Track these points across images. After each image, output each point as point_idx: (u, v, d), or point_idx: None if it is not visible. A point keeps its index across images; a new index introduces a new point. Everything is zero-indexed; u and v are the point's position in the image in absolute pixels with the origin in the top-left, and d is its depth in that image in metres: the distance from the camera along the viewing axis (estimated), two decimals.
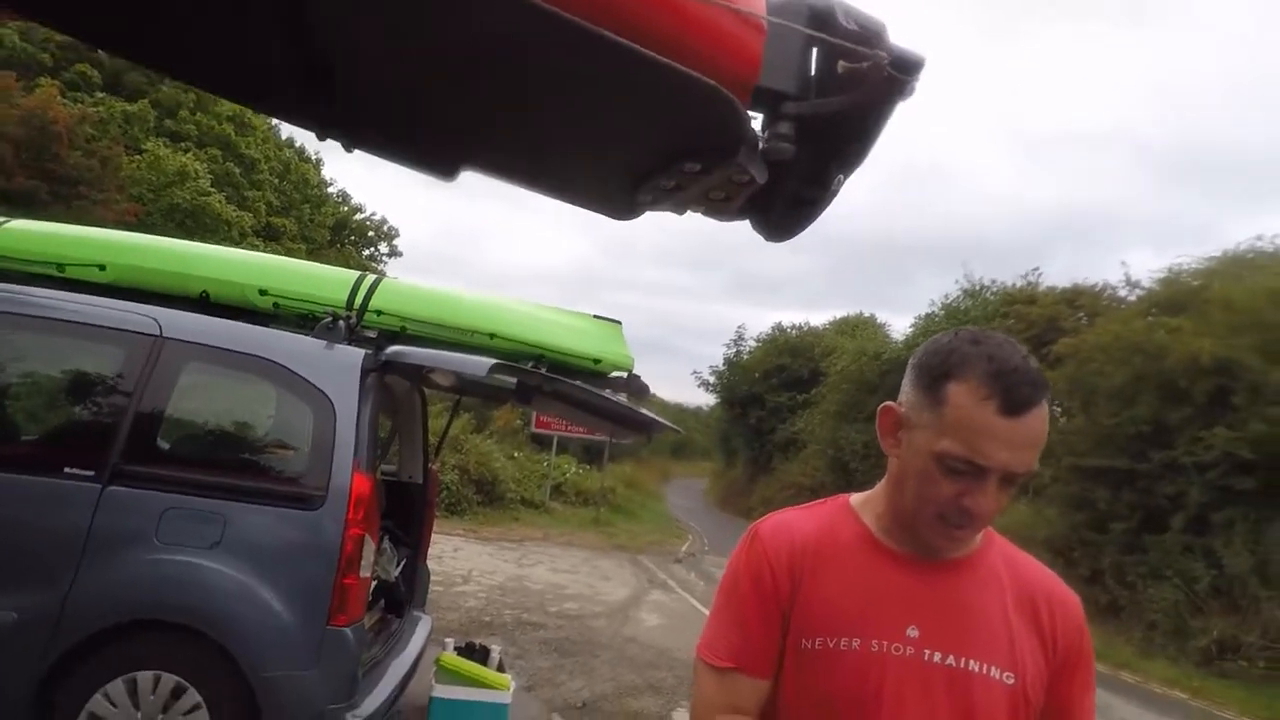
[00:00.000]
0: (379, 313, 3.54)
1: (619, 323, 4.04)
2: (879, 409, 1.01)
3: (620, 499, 18.75)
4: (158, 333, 3.04)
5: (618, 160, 1.05)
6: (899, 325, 35.25)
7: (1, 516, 2.71)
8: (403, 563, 4.11)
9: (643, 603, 8.52)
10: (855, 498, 1.07)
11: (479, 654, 4.30)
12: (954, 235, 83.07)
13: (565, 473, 18.10)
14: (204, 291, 3.48)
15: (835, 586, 0.97)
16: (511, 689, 3.76)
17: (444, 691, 3.62)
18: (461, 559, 9.36)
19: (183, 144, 20.14)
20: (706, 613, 1.11)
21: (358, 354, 3.10)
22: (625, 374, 3.85)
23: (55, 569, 2.69)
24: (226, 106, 19.99)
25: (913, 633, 0.92)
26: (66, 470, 2.81)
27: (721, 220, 1.11)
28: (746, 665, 0.97)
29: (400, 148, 1.09)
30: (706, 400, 33.00)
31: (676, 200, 1.05)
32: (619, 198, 1.12)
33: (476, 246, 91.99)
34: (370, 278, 3.69)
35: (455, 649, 4.20)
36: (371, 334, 3.48)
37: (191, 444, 2.97)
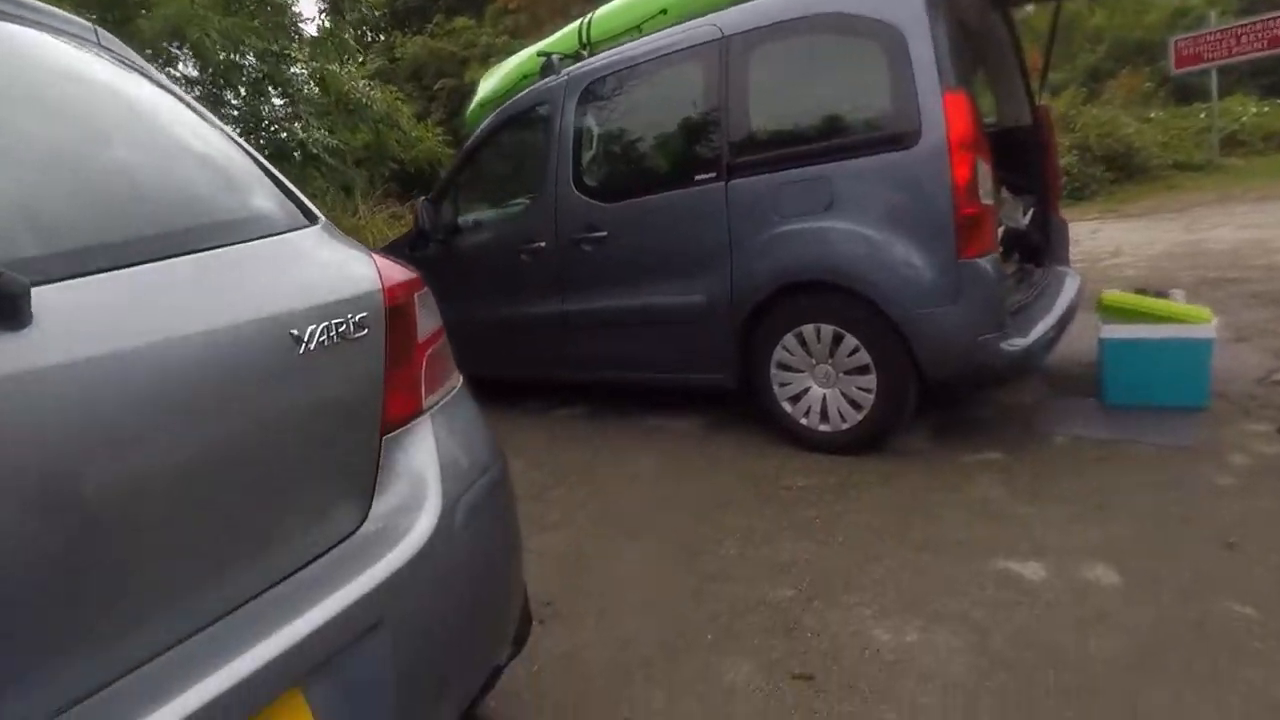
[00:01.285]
0: None
1: None
2: None
3: None
4: (720, 35, 3.18)
5: None
6: None
7: (676, 227, 3.34)
8: (1030, 210, 3.67)
9: None
10: None
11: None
12: None
13: (1239, 117, 13.65)
14: None
15: None
16: (1215, 324, 3.05)
17: (1116, 331, 3.16)
18: (1102, 239, 8.12)
19: None
20: None
21: None
22: None
23: (716, 258, 3.22)
24: None
25: None
26: (697, 179, 3.27)
27: None
28: None
29: None
30: None
31: None
32: None
33: None
34: None
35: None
36: None
37: (781, 121, 3.09)
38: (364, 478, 1.12)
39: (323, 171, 7.36)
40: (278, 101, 6.81)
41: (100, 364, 0.80)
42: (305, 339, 1.02)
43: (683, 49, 3.33)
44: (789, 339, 3.08)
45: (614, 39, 4.07)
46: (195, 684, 0.80)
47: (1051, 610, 1.92)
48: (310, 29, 7.62)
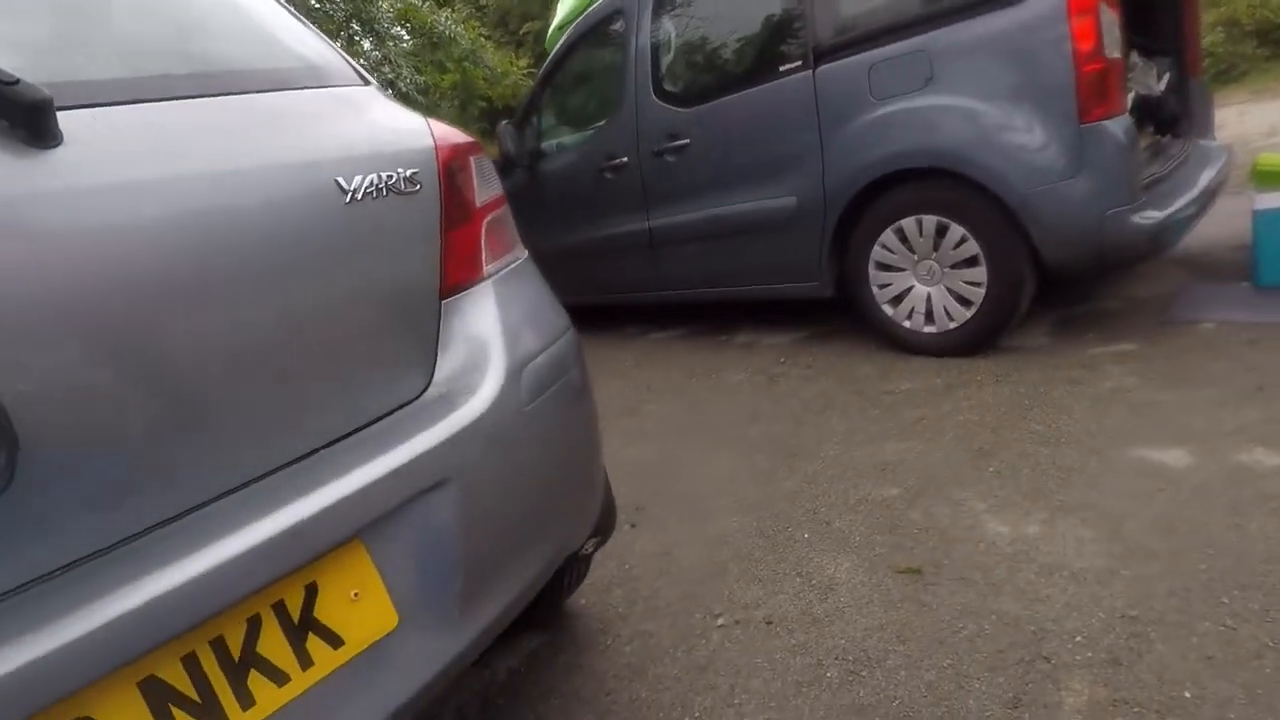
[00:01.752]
0: None
1: None
2: None
3: None
4: None
5: None
6: None
7: (762, 125, 3.14)
8: (1165, 75, 3.22)
9: None
10: None
11: None
12: None
13: None
14: None
15: None
16: None
17: (1271, 200, 2.75)
18: (1253, 120, 7.17)
19: None
20: None
21: None
22: None
23: (805, 155, 3.00)
24: None
25: None
26: (781, 70, 3.05)
27: None
28: None
29: None
30: None
31: None
32: None
33: None
34: None
35: None
36: None
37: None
38: (425, 341, 1.07)
39: (415, 110, 7.47)
40: (367, 45, 6.91)
41: (138, 189, 0.77)
42: (352, 188, 0.97)
43: None
44: (888, 236, 2.85)
45: None
46: (255, 521, 0.78)
47: (1200, 496, 1.71)
48: None
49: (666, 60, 3.63)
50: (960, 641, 1.42)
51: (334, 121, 1.05)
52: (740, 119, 3.23)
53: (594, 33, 4.07)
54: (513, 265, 1.27)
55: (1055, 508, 1.77)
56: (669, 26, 3.60)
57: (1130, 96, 2.76)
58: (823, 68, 2.90)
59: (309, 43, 1.17)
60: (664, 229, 3.67)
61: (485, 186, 1.23)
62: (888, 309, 2.95)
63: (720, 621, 1.61)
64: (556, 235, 4.27)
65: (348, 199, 0.96)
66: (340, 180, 0.96)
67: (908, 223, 2.79)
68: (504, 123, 4.46)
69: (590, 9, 4.16)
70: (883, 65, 2.72)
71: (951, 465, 2.06)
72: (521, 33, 19.95)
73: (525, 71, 8.21)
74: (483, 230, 1.18)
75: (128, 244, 0.75)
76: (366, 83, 1.21)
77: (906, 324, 2.91)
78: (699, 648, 1.55)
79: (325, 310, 0.94)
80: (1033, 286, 2.67)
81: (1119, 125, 2.36)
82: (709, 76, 3.48)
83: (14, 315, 0.67)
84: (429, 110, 7.27)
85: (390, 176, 1.02)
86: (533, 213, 4.45)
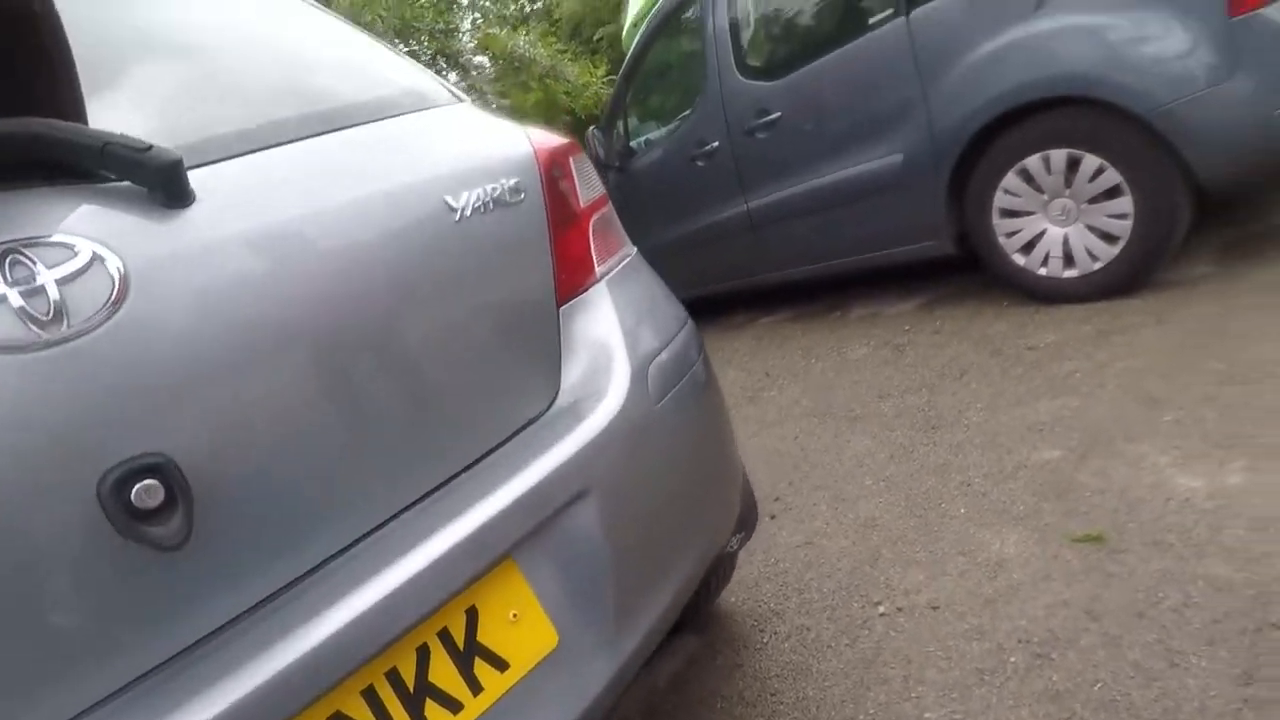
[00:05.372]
0: None
1: None
2: None
3: None
4: None
5: None
6: None
7: (856, 84, 2.98)
8: None
9: None
10: None
11: None
12: None
13: None
14: None
15: None
16: None
17: None
18: None
19: None
20: None
21: None
22: None
23: (908, 107, 2.83)
24: None
25: None
26: (871, 23, 2.88)
27: None
28: None
29: None
30: None
31: None
32: None
33: None
34: None
35: None
36: None
37: None
38: (549, 351, 1.05)
39: None
40: (453, 76, 7.17)
41: (267, 237, 0.79)
42: (460, 206, 0.97)
43: None
44: (1010, 179, 2.63)
45: None
46: (416, 549, 0.79)
47: None
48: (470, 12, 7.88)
49: (747, 36, 3.52)
50: (1165, 613, 1.26)
51: (436, 141, 1.05)
52: (832, 83, 3.08)
53: (669, 23, 4.02)
54: (624, 262, 1.24)
55: (1259, 452, 1.56)
56: (745, 1, 3.49)
57: None
58: (916, 10, 2.72)
59: (403, 69, 1.19)
60: (764, 209, 3.57)
61: (587, 187, 1.20)
62: (1019, 258, 2.72)
63: (881, 610, 1.52)
64: (655, 232, 4.24)
65: (457, 217, 0.96)
66: (449, 199, 0.96)
67: (1032, 162, 2.56)
68: (592, 128, 4.48)
69: (661, 1, 4.11)
70: None
71: (1119, 419, 1.86)
72: (596, 39, 20.24)
73: (605, 79, 8.30)
74: (590, 231, 1.16)
75: (265, 290, 0.77)
76: (461, 100, 1.22)
77: (1043, 271, 2.67)
78: (863, 639, 1.46)
79: (453, 332, 0.94)
80: (1189, 211, 2.38)
81: (1278, 11, 2.06)
82: (793, 45, 3.34)
83: (178, 372, 0.69)
84: None
85: (495, 189, 1.01)
86: (629, 212, 4.43)
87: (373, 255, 0.87)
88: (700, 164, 3.79)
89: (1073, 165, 2.47)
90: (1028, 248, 2.69)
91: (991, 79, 2.54)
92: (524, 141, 1.12)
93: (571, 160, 1.18)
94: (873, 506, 1.89)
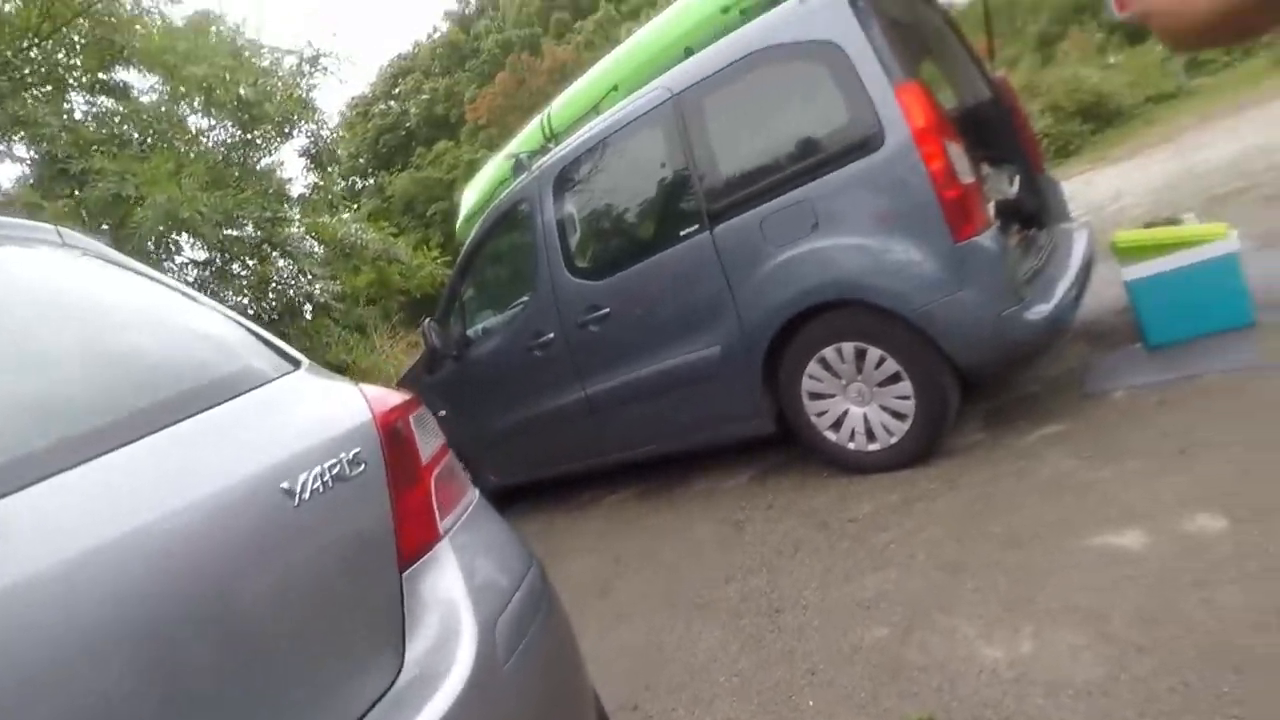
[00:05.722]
0: None
1: None
2: None
3: None
4: (670, 94, 3.24)
5: None
6: None
7: (674, 286, 3.31)
8: (1015, 177, 3.60)
9: None
10: None
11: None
12: None
13: None
14: (686, 48, 3.55)
15: None
16: (1235, 236, 2.92)
17: (1138, 270, 3.03)
18: (1099, 187, 8.00)
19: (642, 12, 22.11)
20: None
21: None
22: None
23: (720, 307, 3.17)
24: None
25: None
26: (681, 235, 3.27)
27: None
28: None
29: None
30: None
31: None
32: None
33: None
34: None
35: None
36: None
37: (749, 159, 3.09)
38: (392, 623, 1.05)
39: (334, 318, 7.56)
40: (281, 263, 7.06)
41: (84, 562, 0.76)
42: (298, 490, 0.98)
43: (639, 116, 3.38)
44: (813, 367, 2.99)
45: (576, 124, 4.15)
46: None
47: (1165, 577, 1.75)
48: (298, 188, 7.92)
49: (574, 239, 3.84)
50: None
51: (272, 423, 1.07)
52: (653, 284, 3.41)
53: (503, 221, 4.30)
54: (467, 512, 1.27)
55: (1040, 617, 1.79)
56: (571, 206, 3.84)
57: (991, 206, 3.06)
58: (719, 228, 3.13)
59: (233, 341, 1.20)
60: (601, 395, 3.74)
61: (428, 442, 1.25)
62: (830, 434, 3.04)
63: None
64: (496, 418, 4.30)
65: (295, 503, 0.97)
66: (285, 485, 0.97)
67: (828, 352, 2.94)
68: (427, 320, 4.57)
69: (496, 200, 4.42)
70: (773, 218, 2.96)
71: (932, 590, 2.07)
72: (430, 214, 20.93)
73: (438, 259, 8.50)
74: (432, 488, 1.19)
75: (84, 621, 0.73)
76: (297, 364, 1.25)
77: (851, 445, 2.99)
78: None
79: (293, 621, 0.92)
80: (956, 390, 2.81)
81: (988, 238, 2.60)
82: (616, 250, 3.70)
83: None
84: (349, 316, 7.40)
85: (334, 464, 1.04)
86: (469, 400, 4.50)
87: (203, 560, 0.85)
88: (537, 354, 3.95)
89: (861, 355, 2.86)
90: (836, 425, 3.02)
91: (785, 285, 2.94)
92: (361, 407, 1.16)
93: (411, 418, 1.23)
94: (729, 707, 1.92)
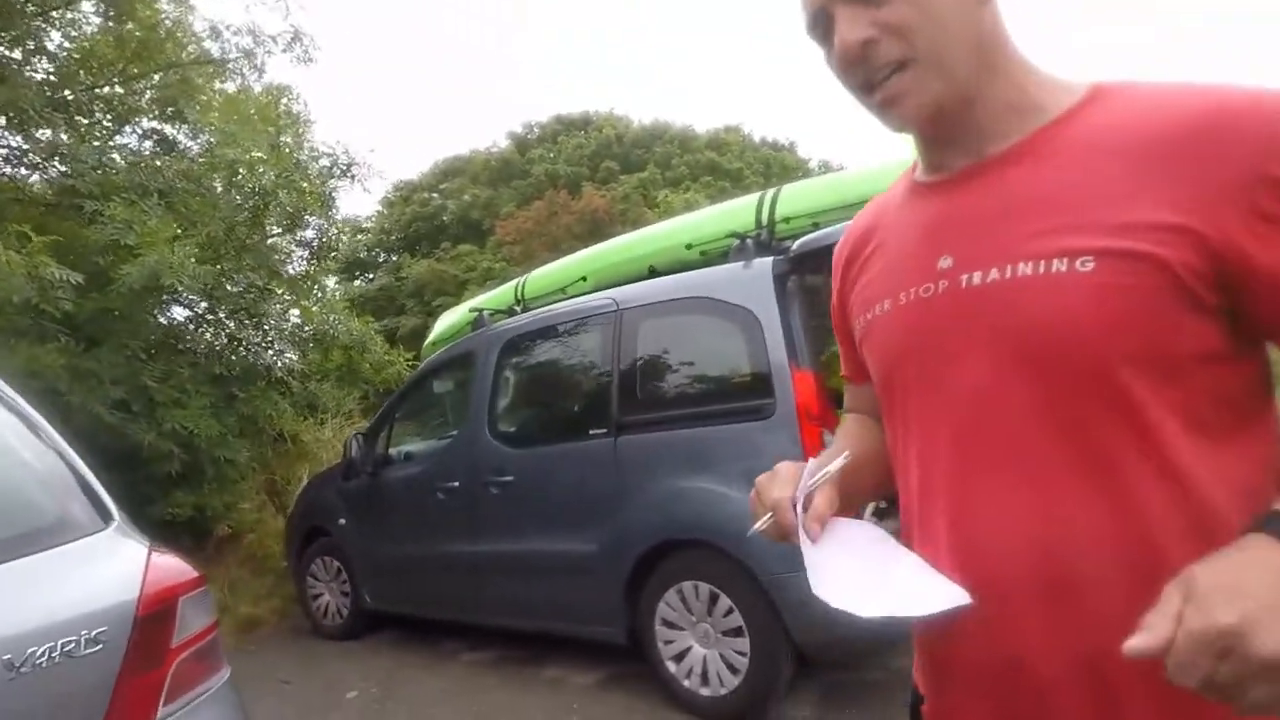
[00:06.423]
0: (787, 220, 3.45)
1: None
2: None
3: None
4: (615, 306, 3.56)
5: None
6: None
7: (574, 477, 3.49)
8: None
9: None
10: None
11: None
12: None
13: None
14: (650, 266, 3.94)
15: (877, 263, 0.85)
16: None
17: None
18: None
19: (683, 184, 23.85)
20: None
21: (767, 263, 3.08)
22: None
23: (607, 509, 3.32)
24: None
25: (945, 263, 0.74)
26: (591, 433, 3.48)
27: None
28: (851, 375, 0.99)
29: None
30: None
31: None
32: None
33: None
34: (770, 192, 3.64)
35: None
36: (789, 243, 3.40)
37: (661, 387, 3.35)
38: None
39: (286, 393, 7.65)
40: (251, 332, 7.23)
41: None
42: (19, 663, 1.09)
43: (584, 316, 3.69)
44: (671, 595, 3.10)
45: (543, 299, 4.49)
46: None
47: None
48: (294, 267, 8.23)
49: (503, 403, 4.06)
50: None
51: (39, 589, 1.19)
52: (557, 468, 3.58)
53: (451, 363, 4.55)
54: (206, 694, 1.37)
55: None
56: (508, 373, 4.09)
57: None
58: (623, 438, 3.34)
59: (59, 488, 1.35)
60: (486, 555, 3.82)
61: (193, 621, 1.37)
62: (670, 665, 3.09)
63: None
64: (388, 544, 4.36)
65: (12, 675, 1.08)
66: (8, 657, 1.09)
67: (687, 586, 3.05)
68: (354, 433, 4.72)
69: (453, 342, 4.69)
70: (667, 446, 3.18)
71: None
72: (434, 305, 21.53)
73: (408, 361, 8.71)
74: (170, 672, 1.30)
75: None
76: (108, 522, 1.39)
77: (686, 683, 3.04)
78: None
79: None
80: (791, 663, 2.89)
81: None
82: (535, 424, 3.91)
83: None
84: (303, 394, 7.51)
85: (69, 643, 1.16)
86: (370, 518, 4.56)
87: None
88: (441, 495, 4.06)
89: (714, 598, 2.98)
90: (679, 658, 3.08)
91: (663, 510, 3.12)
92: (134, 583, 1.29)
93: (183, 599, 1.35)
94: None
